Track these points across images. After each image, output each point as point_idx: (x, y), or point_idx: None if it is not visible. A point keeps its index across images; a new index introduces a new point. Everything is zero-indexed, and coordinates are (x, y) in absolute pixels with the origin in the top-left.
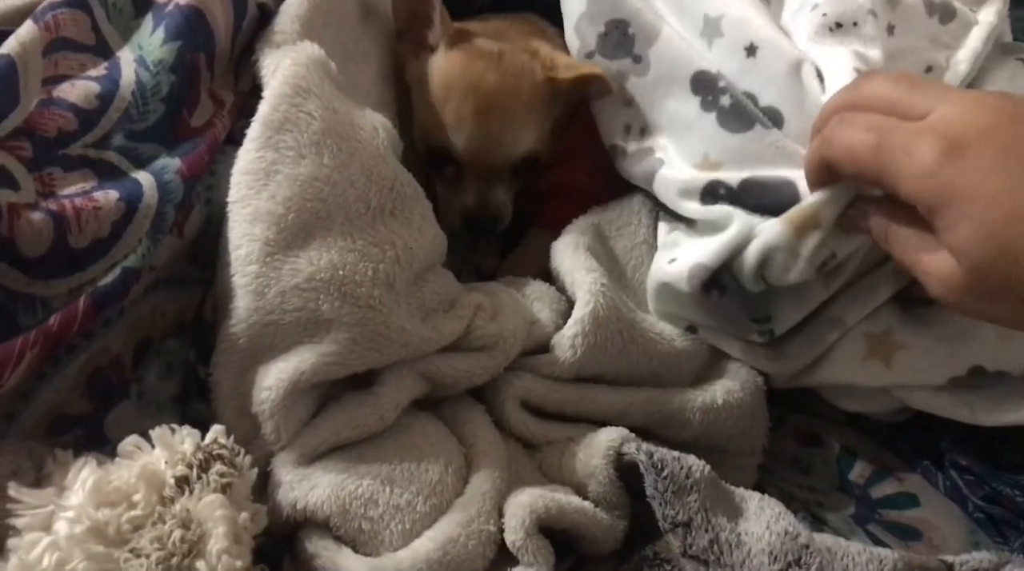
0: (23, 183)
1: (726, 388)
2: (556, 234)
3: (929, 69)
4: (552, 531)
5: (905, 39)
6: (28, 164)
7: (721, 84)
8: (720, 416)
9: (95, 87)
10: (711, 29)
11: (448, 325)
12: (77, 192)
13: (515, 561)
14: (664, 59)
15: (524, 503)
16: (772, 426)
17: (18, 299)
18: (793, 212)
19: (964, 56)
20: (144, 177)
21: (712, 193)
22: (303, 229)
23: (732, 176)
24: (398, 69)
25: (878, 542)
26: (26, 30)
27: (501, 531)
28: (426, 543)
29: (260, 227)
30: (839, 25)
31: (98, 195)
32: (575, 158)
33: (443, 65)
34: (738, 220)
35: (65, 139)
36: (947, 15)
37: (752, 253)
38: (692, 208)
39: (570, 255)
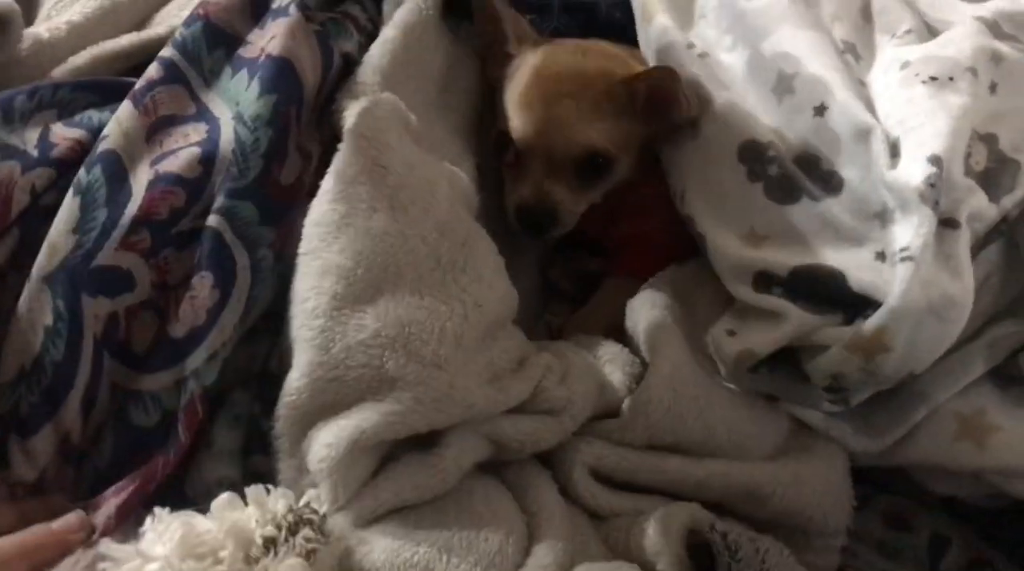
0: (139, 280)
1: (809, 463)
2: (630, 283)
3: None
4: None
5: (1008, 99)
6: (146, 254)
7: (770, 154)
8: (801, 493)
9: (197, 152)
10: (783, 86)
11: (516, 386)
12: (182, 279)
13: None
14: (714, 127)
15: None
16: (857, 506)
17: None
18: (856, 337)
19: None
20: (242, 260)
21: (765, 281)
22: (372, 284)
23: (781, 263)
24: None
25: None
26: (126, 115)
27: None
28: None
29: (329, 280)
30: (933, 79)
31: (195, 282)
32: (652, 211)
33: (526, 59)
34: (794, 317)
35: (176, 216)
36: None
37: (820, 372)
38: (745, 293)
39: (646, 314)
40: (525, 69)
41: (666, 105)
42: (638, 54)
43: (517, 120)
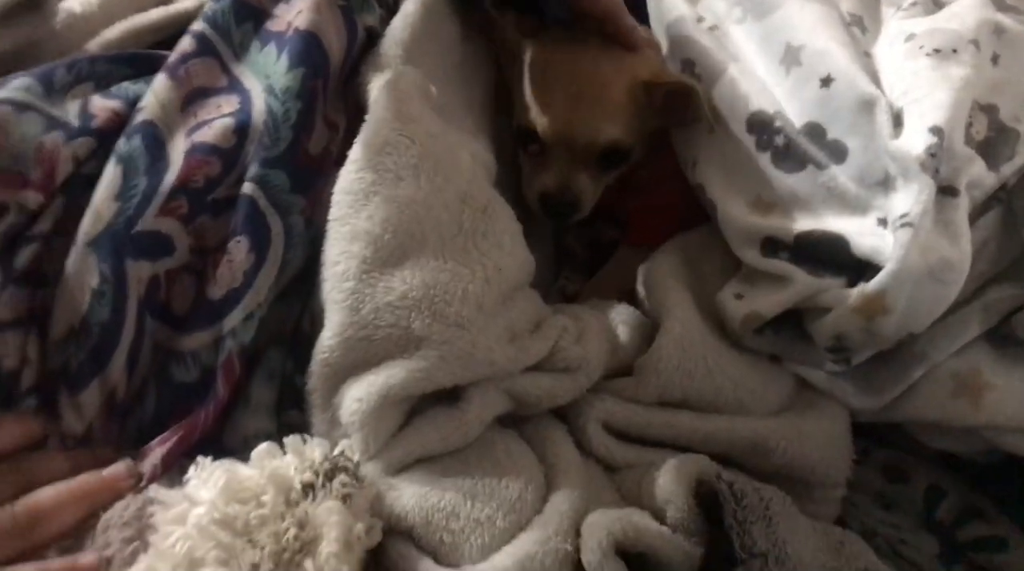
0: (179, 244)
1: (811, 418)
2: (642, 251)
3: None
4: (628, 555)
5: (1010, 69)
6: (184, 220)
7: (777, 124)
8: (804, 447)
9: (230, 122)
10: (791, 58)
11: (534, 345)
12: (219, 243)
13: None
14: (724, 99)
15: (602, 524)
16: (857, 459)
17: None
18: (858, 299)
19: None
20: (276, 225)
21: (772, 246)
22: (398, 249)
23: (787, 229)
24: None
25: None
26: (162, 86)
27: (577, 551)
28: (504, 558)
29: (358, 245)
30: (937, 51)
31: (231, 246)
32: (665, 182)
33: (534, 52)
34: (799, 281)
35: (212, 184)
36: None
37: (824, 333)
38: (752, 257)
39: (656, 278)
40: (541, 64)
41: (683, 106)
42: (648, 33)
43: (541, 117)
